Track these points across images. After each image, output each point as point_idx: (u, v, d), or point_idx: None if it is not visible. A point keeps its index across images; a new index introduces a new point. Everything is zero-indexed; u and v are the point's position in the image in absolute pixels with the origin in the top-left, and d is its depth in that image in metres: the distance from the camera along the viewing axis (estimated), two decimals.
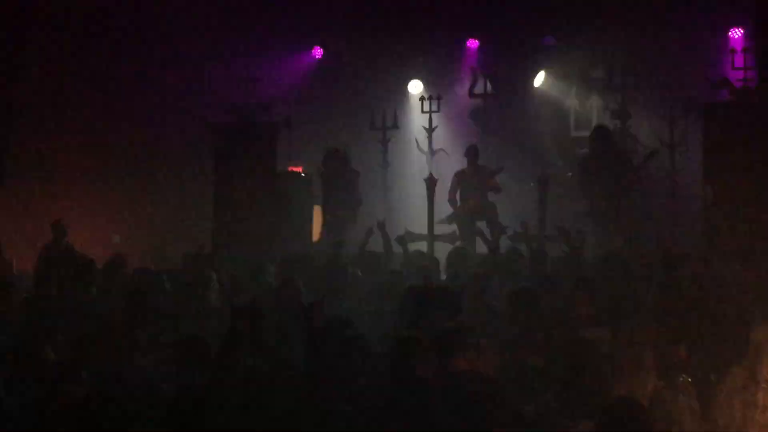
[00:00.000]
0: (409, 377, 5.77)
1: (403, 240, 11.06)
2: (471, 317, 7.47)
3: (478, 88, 15.85)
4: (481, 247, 12.67)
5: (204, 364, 6.35)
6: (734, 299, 7.83)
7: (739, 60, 12.71)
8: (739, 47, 13.04)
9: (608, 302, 7.84)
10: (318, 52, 16.89)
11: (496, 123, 15.90)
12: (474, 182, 13.52)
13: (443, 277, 10.03)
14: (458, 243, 12.55)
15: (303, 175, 15.32)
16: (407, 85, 16.48)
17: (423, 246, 12.47)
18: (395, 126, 14.95)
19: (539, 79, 16.02)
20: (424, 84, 16.30)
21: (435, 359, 5.93)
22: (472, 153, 13.70)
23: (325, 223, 14.25)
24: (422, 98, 15.31)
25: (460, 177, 13.60)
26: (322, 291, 8.71)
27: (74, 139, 15.39)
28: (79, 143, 15.46)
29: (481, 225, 13.10)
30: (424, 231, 13.14)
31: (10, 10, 14.67)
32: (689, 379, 6.04)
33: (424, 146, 14.84)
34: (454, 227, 13.51)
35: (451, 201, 13.55)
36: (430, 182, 13.18)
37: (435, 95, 15.12)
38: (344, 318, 6.75)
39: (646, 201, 13.22)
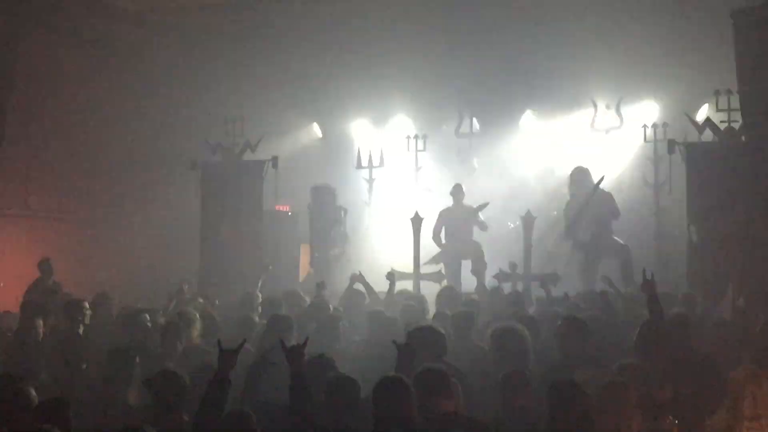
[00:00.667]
0: (393, 419, 5.74)
1: (391, 276, 11.08)
2: (457, 357, 7.46)
3: (465, 128, 15.93)
4: (467, 287, 12.75)
5: (180, 400, 6.33)
6: (717, 341, 7.86)
7: (723, 101, 12.84)
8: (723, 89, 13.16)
9: (595, 343, 7.84)
10: None
11: (483, 162, 15.98)
12: (460, 221, 13.55)
13: (430, 316, 10.02)
14: (444, 282, 12.56)
15: (290, 214, 15.37)
16: (394, 123, 16.53)
17: (409, 285, 12.47)
18: (381, 164, 15.00)
19: (525, 118, 16.11)
20: (410, 123, 16.36)
21: (419, 400, 5.91)
22: (457, 191, 13.73)
23: (313, 261, 14.26)
24: (408, 137, 15.39)
25: (445, 215, 13.61)
26: (307, 331, 8.69)
27: (60, 177, 15.32)
28: (66, 181, 15.40)
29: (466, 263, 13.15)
30: (410, 269, 13.12)
31: None
32: (675, 421, 6.06)
33: (416, 185, 14.95)
34: (439, 266, 13.51)
35: (437, 240, 13.57)
36: (416, 221, 13.18)
37: (421, 134, 15.21)
38: (326, 360, 6.73)
39: (631, 241, 13.29)
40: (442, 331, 7.40)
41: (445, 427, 5.88)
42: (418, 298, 10.25)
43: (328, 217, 13.96)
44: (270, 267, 12.38)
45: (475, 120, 16.23)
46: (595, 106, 15.43)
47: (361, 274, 11.34)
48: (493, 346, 7.55)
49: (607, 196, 13.13)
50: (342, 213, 14.20)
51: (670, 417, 6.05)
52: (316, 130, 17.40)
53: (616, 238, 13.17)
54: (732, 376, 5.73)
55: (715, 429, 5.67)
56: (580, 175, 13.31)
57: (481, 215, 13.72)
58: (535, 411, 6.15)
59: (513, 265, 11.72)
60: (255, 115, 15.07)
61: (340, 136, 17.01)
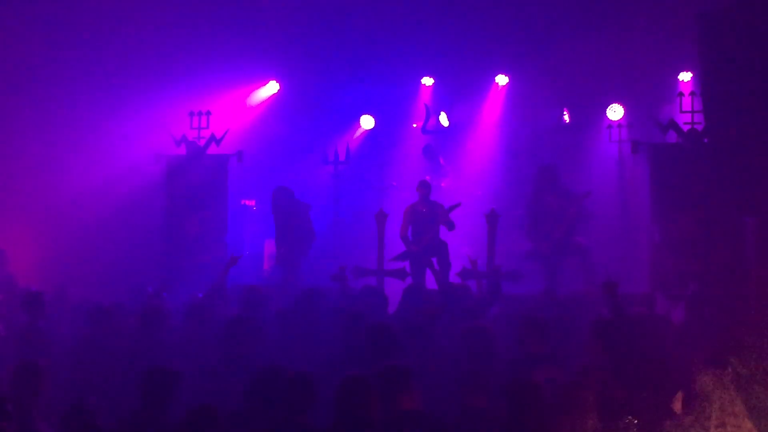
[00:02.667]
0: (354, 417, 5.75)
1: (337, 277, 11.10)
2: (419, 356, 7.48)
3: (431, 124, 15.94)
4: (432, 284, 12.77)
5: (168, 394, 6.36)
6: (677, 341, 7.93)
7: (686, 103, 12.96)
8: (687, 91, 13.27)
9: (555, 342, 7.88)
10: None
11: (449, 159, 16.03)
12: (427, 219, 13.51)
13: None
14: (408, 279, 12.58)
15: (255, 208, 15.31)
16: (360, 119, 16.52)
17: (374, 281, 12.48)
18: (347, 160, 14.97)
19: (493, 116, 16.17)
20: (376, 120, 16.36)
21: (381, 399, 5.92)
22: (424, 188, 13.65)
23: (278, 257, 14.20)
24: (374, 133, 15.39)
25: (411, 212, 13.55)
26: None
27: (20, 170, 15.14)
28: (25, 173, 15.21)
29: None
30: (374, 266, 13.12)
31: None
32: (635, 420, 6.09)
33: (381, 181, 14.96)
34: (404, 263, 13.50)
35: (404, 238, 13.53)
36: (380, 217, 13.17)
37: (387, 130, 15.22)
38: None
39: (594, 240, 13.36)
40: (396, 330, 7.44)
41: (405, 425, 5.90)
42: (379, 294, 10.24)
43: (290, 216, 13.89)
44: (237, 257, 12.32)
45: (443, 116, 16.22)
46: (565, 105, 15.50)
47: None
48: (462, 344, 7.57)
49: (575, 198, 13.13)
50: (306, 209, 14.13)
51: (629, 417, 6.08)
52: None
53: (578, 238, 13.22)
54: (699, 382, 5.75)
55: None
56: (547, 173, 13.30)
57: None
58: (494, 410, 6.18)
59: (474, 263, 11.73)
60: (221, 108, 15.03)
61: (308, 130, 16.95)
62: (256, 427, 5.97)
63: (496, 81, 16.06)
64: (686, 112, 12.86)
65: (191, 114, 14.71)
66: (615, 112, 14.83)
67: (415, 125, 16.45)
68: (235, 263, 11.45)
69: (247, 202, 15.72)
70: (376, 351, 7.16)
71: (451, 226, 13.20)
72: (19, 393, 6.31)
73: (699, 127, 12.48)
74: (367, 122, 16.40)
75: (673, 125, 12.76)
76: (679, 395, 6.16)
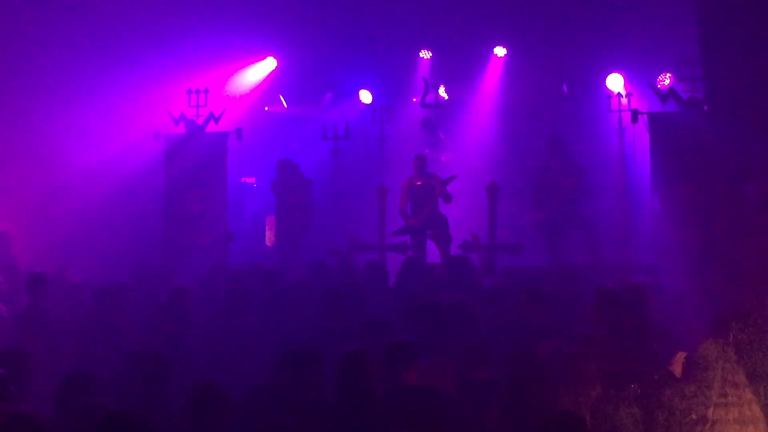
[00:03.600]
0: (358, 392, 5.76)
1: (335, 252, 11.16)
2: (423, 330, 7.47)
3: (430, 98, 15.87)
4: (433, 258, 12.78)
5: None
6: (679, 310, 7.93)
7: (687, 71, 12.90)
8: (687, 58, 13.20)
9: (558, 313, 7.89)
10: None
11: (448, 132, 15.96)
12: (424, 192, 13.45)
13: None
14: (409, 253, 12.58)
15: (255, 185, 15.29)
16: (358, 95, 16.45)
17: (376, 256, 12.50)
18: (347, 136, 14.93)
19: (492, 87, 16.09)
20: (374, 94, 16.28)
21: (384, 373, 5.93)
22: (420, 162, 13.57)
23: (278, 233, 14.20)
24: (373, 108, 15.32)
25: (408, 186, 13.48)
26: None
27: (18, 150, 15.09)
28: (23, 155, 15.17)
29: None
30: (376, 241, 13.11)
31: None
32: (638, 390, 6.08)
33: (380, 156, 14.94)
34: (405, 237, 13.49)
35: (403, 212, 13.49)
36: (381, 192, 13.15)
37: (386, 105, 15.15)
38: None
39: (596, 211, 13.32)
40: None
41: (407, 399, 5.91)
42: (380, 269, 10.26)
43: (292, 190, 13.88)
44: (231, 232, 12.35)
45: (442, 89, 16.13)
46: (564, 76, 15.42)
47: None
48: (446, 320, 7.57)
49: (578, 170, 13.00)
50: (307, 185, 14.11)
51: (632, 386, 6.07)
52: (282, 101, 17.25)
53: (585, 211, 13.15)
54: (701, 350, 5.73)
55: (678, 403, 5.68)
56: (554, 143, 13.17)
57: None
58: (496, 382, 6.19)
59: (475, 237, 11.71)
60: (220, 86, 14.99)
61: (307, 107, 16.90)
62: (265, 402, 5.97)
63: (495, 52, 15.97)
64: (685, 80, 12.80)
65: (189, 92, 14.68)
66: (614, 81, 14.74)
67: (414, 99, 16.38)
68: (231, 239, 11.47)
69: (247, 180, 15.69)
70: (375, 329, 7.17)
71: (447, 199, 13.15)
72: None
73: (699, 95, 12.42)
74: (365, 97, 16.34)
75: (673, 93, 12.71)
76: (680, 359, 6.13)
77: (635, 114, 12.88)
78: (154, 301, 9.12)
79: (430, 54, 16.24)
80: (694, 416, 5.48)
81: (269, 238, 15.26)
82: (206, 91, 14.67)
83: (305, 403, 6.02)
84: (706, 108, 12.18)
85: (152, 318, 8.65)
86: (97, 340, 8.32)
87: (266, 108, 16.62)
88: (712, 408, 5.47)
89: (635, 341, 6.67)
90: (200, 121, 14.50)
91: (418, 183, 13.24)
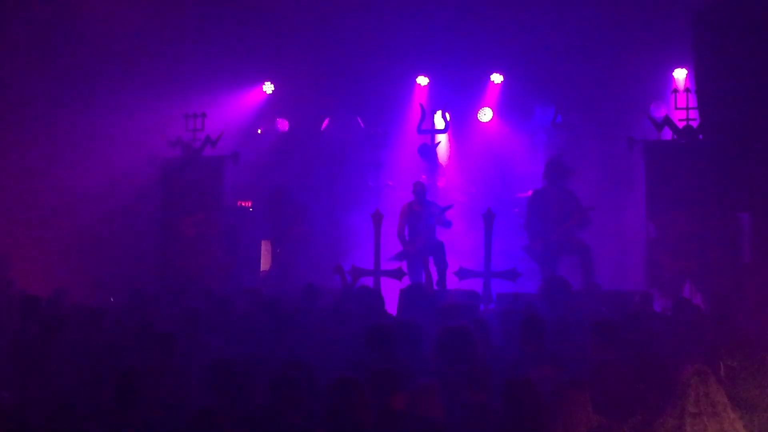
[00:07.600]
0: (346, 420, 5.74)
1: (338, 270, 11.16)
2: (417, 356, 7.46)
3: (426, 124, 15.91)
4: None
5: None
6: (669, 337, 7.94)
7: (681, 100, 12.98)
8: (681, 87, 13.29)
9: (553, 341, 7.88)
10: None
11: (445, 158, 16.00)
12: (423, 218, 13.48)
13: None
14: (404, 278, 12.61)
15: (251, 209, 15.31)
16: (355, 120, 16.48)
17: (371, 282, 12.50)
18: (343, 161, 14.96)
19: (485, 115, 16.11)
20: (371, 119, 16.31)
21: (372, 401, 5.91)
22: (420, 188, 13.60)
23: (274, 257, 14.22)
24: (370, 133, 15.36)
25: (407, 212, 13.51)
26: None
27: (16, 174, 15.09)
28: (21, 177, 15.17)
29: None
30: (371, 266, 13.11)
31: None
32: (631, 418, 6.08)
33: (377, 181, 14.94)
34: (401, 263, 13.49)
35: (401, 237, 13.50)
36: (377, 217, 13.17)
37: (382, 130, 15.19)
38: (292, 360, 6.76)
39: (591, 238, 13.32)
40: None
41: (395, 425, 5.90)
42: (375, 295, 10.23)
43: (287, 216, 13.90)
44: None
45: (439, 115, 16.16)
46: (556, 105, 15.49)
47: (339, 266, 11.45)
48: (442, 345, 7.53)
49: (573, 196, 12.98)
50: (303, 209, 14.14)
51: (625, 414, 6.07)
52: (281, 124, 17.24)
53: (576, 236, 13.15)
54: (679, 374, 5.77)
55: (663, 427, 5.69)
56: (552, 166, 13.13)
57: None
58: (490, 409, 6.17)
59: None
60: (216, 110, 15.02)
61: (305, 130, 16.92)
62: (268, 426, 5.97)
63: (491, 79, 16.04)
64: (681, 109, 12.88)
65: (186, 116, 14.71)
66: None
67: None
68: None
69: (243, 203, 15.70)
70: (374, 352, 7.16)
71: (447, 225, 13.20)
72: None
73: (694, 124, 12.49)
74: (362, 122, 16.37)
75: (668, 122, 12.78)
76: (677, 388, 6.15)
77: (631, 142, 12.93)
78: (147, 324, 9.04)
79: (428, 80, 16.29)
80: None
81: (264, 262, 15.25)
82: (203, 115, 14.70)
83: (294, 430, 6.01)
84: (701, 137, 12.26)
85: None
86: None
87: (259, 131, 16.63)
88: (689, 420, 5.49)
89: (631, 370, 6.67)
90: (197, 144, 14.54)
91: (418, 209, 13.26)
